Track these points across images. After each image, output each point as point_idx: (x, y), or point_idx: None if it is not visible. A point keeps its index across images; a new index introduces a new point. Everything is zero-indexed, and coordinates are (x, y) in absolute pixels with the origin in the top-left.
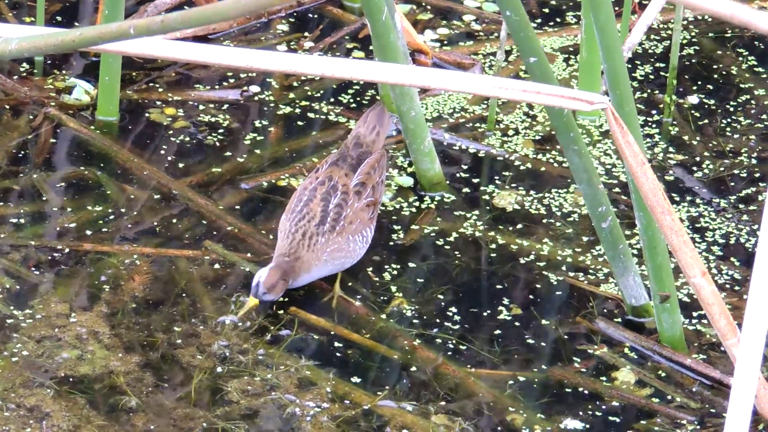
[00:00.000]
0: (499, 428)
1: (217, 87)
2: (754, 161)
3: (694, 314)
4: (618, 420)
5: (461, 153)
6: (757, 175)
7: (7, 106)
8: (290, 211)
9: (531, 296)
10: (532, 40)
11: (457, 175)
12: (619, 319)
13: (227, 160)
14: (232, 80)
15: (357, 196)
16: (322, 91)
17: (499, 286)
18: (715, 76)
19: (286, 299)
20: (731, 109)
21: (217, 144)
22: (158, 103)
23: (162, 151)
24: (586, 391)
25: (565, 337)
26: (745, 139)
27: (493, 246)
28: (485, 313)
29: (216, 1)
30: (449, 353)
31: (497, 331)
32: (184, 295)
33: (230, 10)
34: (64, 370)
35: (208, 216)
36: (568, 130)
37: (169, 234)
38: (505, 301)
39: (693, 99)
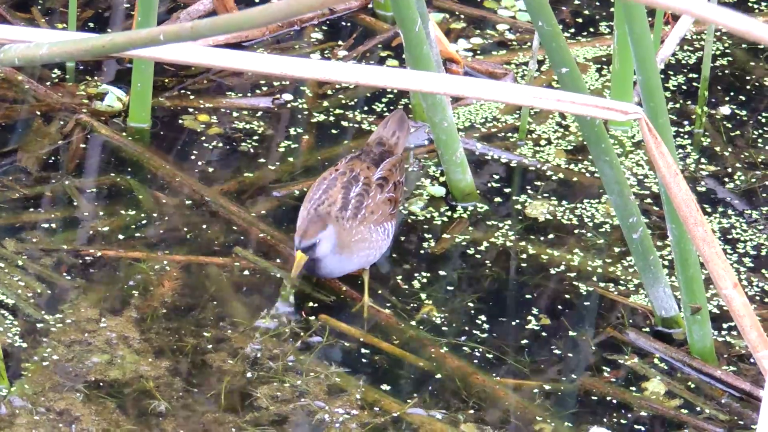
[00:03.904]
0: None
1: (249, 95)
2: None
3: (725, 326)
4: (646, 431)
5: (493, 162)
6: None
7: (39, 113)
8: (308, 200)
9: (561, 306)
10: (564, 51)
11: (489, 184)
12: (648, 330)
13: (259, 167)
14: (264, 88)
15: (379, 188)
16: (355, 100)
17: (528, 296)
18: (748, 87)
19: (317, 305)
20: (763, 120)
21: (250, 151)
22: (191, 110)
23: (194, 158)
24: (614, 401)
25: (595, 347)
26: None
27: (524, 256)
28: (515, 323)
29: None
30: (478, 362)
31: (526, 341)
32: (214, 301)
33: (259, 17)
34: (94, 375)
35: (239, 223)
36: (599, 141)
37: (200, 240)
38: (535, 311)
39: (725, 110)
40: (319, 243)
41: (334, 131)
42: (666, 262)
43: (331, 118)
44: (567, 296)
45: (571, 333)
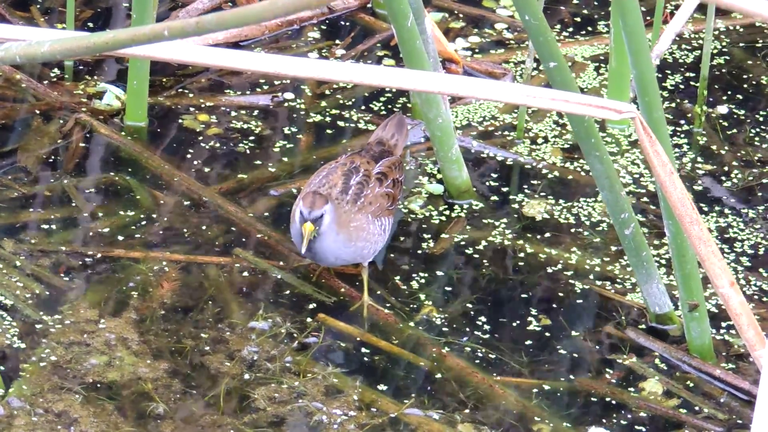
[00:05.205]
0: None
1: (248, 93)
2: None
3: (723, 325)
4: (645, 430)
5: (490, 161)
6: None
7: (38, 112)
8: (307, 185)
9: (558, 305)
10: (551, 45)
11: (486, 183)
12: (644, 327)
13: (257, 167)
14: (265, 87)
15: (378, 182)
16: (353, 100)
17: (526, 295)
18: (745, 86)
19: (314, 305)
20: (761, 119)
21: (248, 151)
22: (191, 109)
23: (192, 157)
24: (613, 402)
25: (593, 346)
26: None
27: (522, 255)
28: (514, 322)
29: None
30: (477, 362)
31: (525, 341)
32: (212, 302)
33: (266, 11)
34: (93, 376)
35: (237, 223)
36: (589, 136)
37: (199, 240)
38: (533, 311)
39: (723, 109)
40: (325, 215)
41: (331, 131)
42: (663, 261)
43: (329, 118)
44: (565, 295)
45: (569, 332)
